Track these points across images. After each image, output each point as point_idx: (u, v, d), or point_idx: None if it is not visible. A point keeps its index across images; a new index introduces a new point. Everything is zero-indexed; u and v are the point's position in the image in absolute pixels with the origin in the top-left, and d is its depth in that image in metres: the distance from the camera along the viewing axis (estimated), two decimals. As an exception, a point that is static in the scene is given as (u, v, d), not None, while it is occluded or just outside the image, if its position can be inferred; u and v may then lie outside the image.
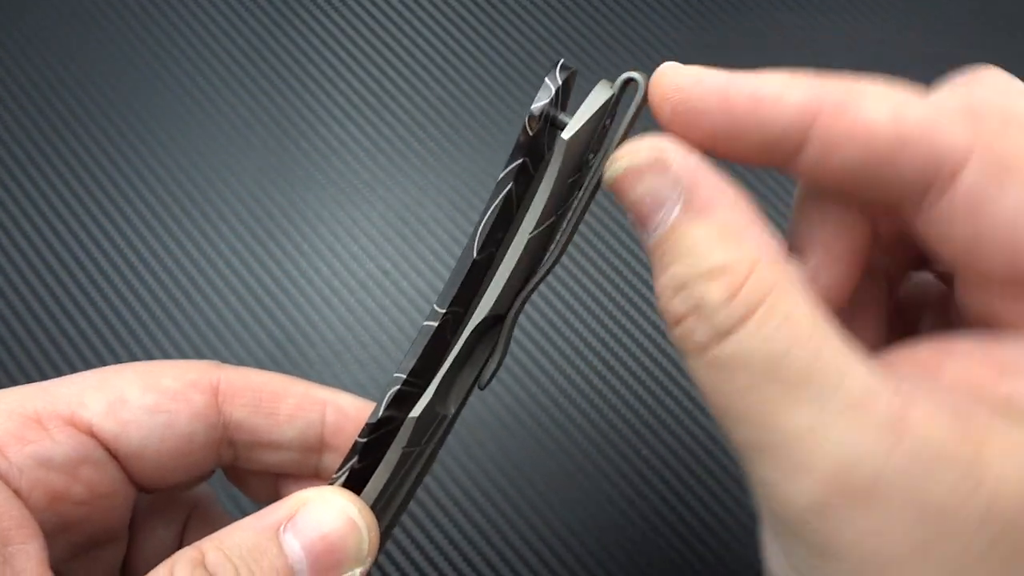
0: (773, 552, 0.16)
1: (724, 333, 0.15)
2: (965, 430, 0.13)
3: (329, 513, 0.18)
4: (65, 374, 0.35)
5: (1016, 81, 0.17)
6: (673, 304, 0.15)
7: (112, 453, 0.19)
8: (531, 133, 0.17)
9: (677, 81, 0.17)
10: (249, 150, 0.40)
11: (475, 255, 0.18)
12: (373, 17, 0.44)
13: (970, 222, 0.15)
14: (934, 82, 0.18)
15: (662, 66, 0.17)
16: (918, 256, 0.19)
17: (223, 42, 0.43)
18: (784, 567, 0.15)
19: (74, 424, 0.19)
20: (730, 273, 0.15)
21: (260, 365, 0.36)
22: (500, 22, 0.44)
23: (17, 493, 0.17)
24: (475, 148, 0.41)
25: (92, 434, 0.19)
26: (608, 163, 0.17)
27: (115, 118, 0.41)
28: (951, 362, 0.15)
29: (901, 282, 0.19)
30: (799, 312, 0.14)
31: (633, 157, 0.16)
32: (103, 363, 0.36)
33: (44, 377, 0.36)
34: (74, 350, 0.36)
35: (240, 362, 0.36)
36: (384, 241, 0.39)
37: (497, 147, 0.41)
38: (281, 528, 0.17)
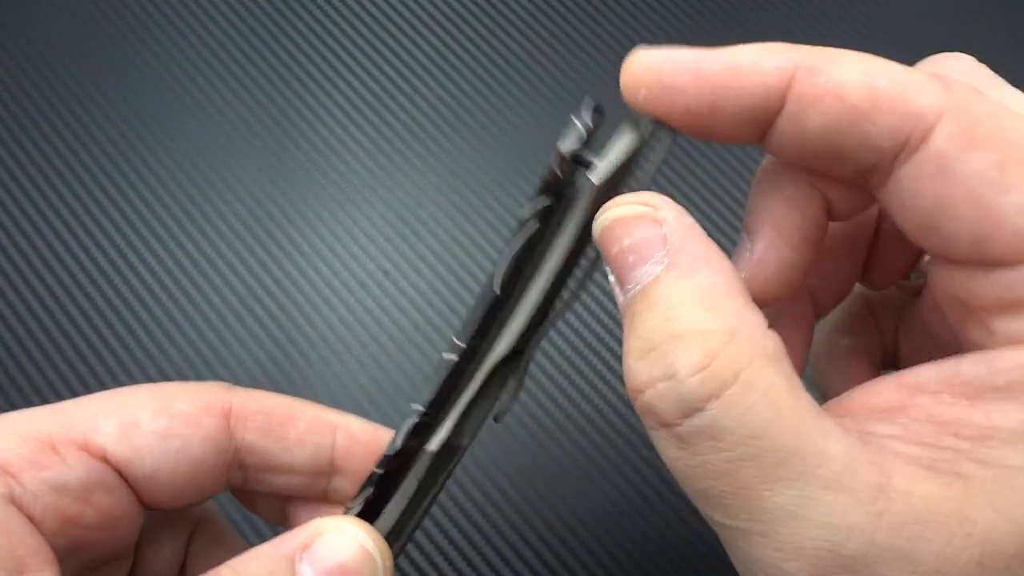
0: None
1: (693, 406, 0.14)
2: (946, 484, 0.13)
3: (344, 543, 0.18)
4: (65, 374, 0.36)
5: (982, 65, 0.17)
6: (639, 367, 0.14)
7: (124, 477, 0.19)
8: (560, 176, 0.17)
9: (648, 63, 0.16)
10: (249, 150, 0.40)
11: (497, 291, 0.18)
12: (373, 17, 0.44)
13: (937, 185, 0.14)
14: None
15: (633, 53, 0.16)
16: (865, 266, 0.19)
17: (223, 42, 0.43)
18: None
19: (87, 449, 0.19)
20: (706, 340, 0.13)
21: (260, 365, 0.36)
22: (500, 22, 0.44)
23: (31, 519, 0.17)
24: (475, 148, 0.41)
25: (105, 459, 0.19)
26: (600, 212, 0.16)
27: (115, 118, 0.41)
28: (919, 399, 0.15)
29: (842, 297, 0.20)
30: (777, 388, 0.13)
31: (626, 208, 0.16)
32: (102, 363, 0.36)
33: (44, 378, 0.36)
34: (74, 350, 0.36)
35: (239, 362, 0.36)
36: (384, 241, 0.39)
37: (497, 147, 0.41)
38: (297, 557, 0.17)
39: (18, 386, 0.35)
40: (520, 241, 0.18)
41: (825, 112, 0.15)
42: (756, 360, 0.13)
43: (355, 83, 0.42)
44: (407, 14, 0.44)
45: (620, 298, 0.15)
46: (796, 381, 0.14)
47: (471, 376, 0.19)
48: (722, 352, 0.13)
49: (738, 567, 0.14)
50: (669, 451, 0.14)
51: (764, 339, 0.14)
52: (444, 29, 0.44)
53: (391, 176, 0.40)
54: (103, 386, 0.35)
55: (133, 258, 0.38)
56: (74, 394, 0.35)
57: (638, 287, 0.15)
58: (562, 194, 0.18)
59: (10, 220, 0.38)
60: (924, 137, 0.14)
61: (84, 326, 0.37)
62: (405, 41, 0.43)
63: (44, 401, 0.35)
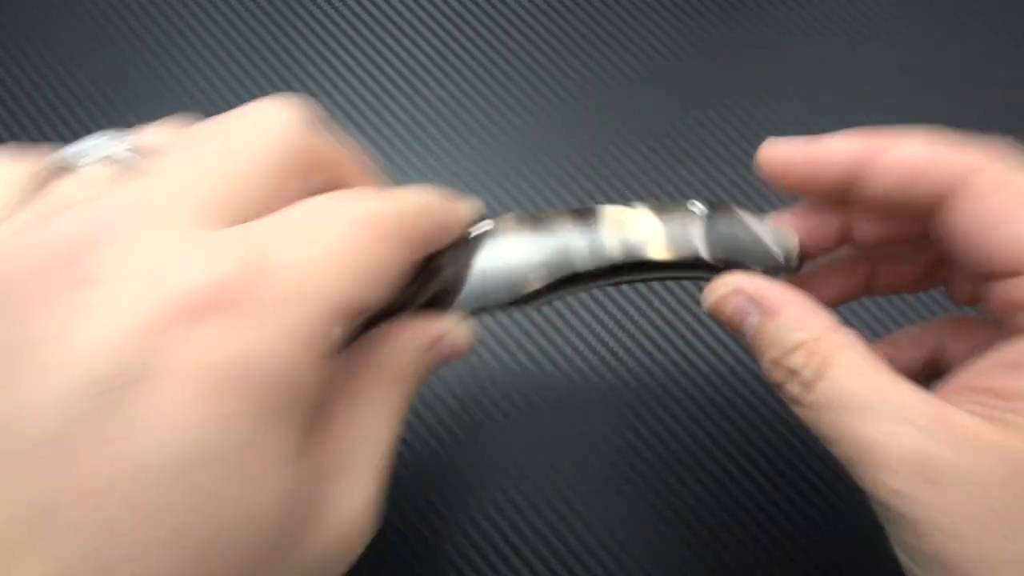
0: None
1: (809, 387, 0.21)
2: (991, 424, 0.19)
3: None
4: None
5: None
6: (774, 375, 0.23)
7: None
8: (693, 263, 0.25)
9: (775, 150, 0.24)
10: (249, 150, 0.40)
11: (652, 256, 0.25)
12: (373, 17, 0.44)
13: (973, 219, 0.21)
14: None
15: (765, 144, 0.24)
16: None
17: (223, 42, 0.43)
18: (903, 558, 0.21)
19: None
20: (804, 348, 0.22)
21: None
22: (500, 22, 0.44)
23: None
24: (475, 148, 0.41)
25: None
26: (705, 295, 0.25)
27: (115, 118, 0.41)
28: (979, 379, 0.21)
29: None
30: (855, 363, 0.21)
31: (721, 289, 0.24)
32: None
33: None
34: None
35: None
36: (384, 241, 0.39)
37: (497, 147, 0.41)
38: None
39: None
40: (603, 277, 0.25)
41: (888, 178, 0.22)
42: (838, 349, 0.21)
43: (355, 83, 0.42)
44: (407, 14, 0.44)
45: (744, 339, 0.24)
46: (871, 357, 0.21)
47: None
48: (816, 352, 0.21)
49: (858, 481, 0.21)
50: (804, 417, 0.22)
51: (840, 335, 0.22)
52: (444, 29, 0.44)
53: (391, 176, 0.40)
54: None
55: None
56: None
57: (750, 331, 0.23)
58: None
59: (10, 220, 0.38)
60: (958, 188, 0.21)
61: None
62: (405, 41, 0.43)
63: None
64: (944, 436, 0.19)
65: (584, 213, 0.26)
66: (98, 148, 0.20)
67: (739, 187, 0.40)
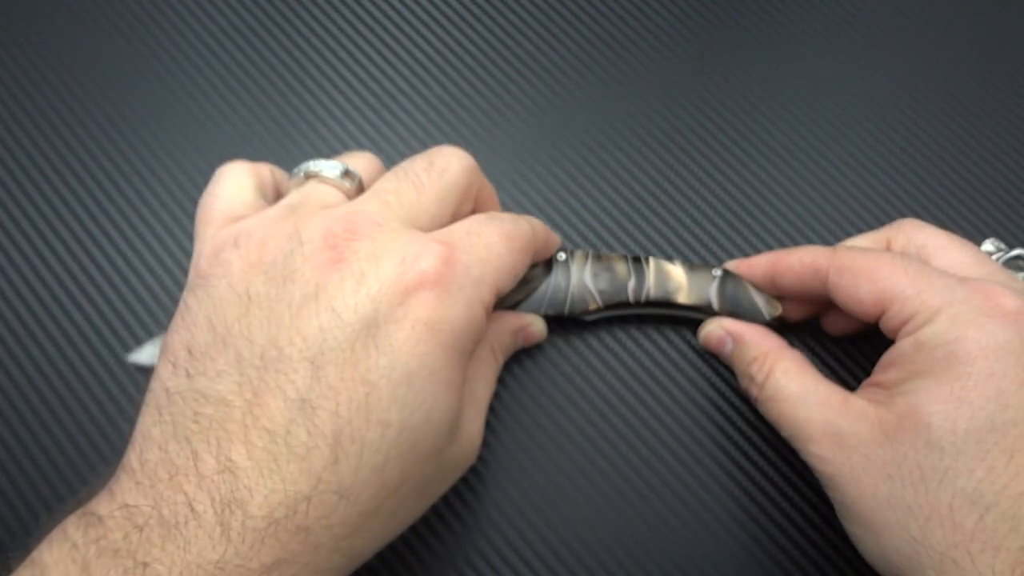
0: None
1: (760, 386, 0.31)
2: (875, 404, 0.28)
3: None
4: (64, 374, 0.36)
5: (927, 227, 0.32)
6: (741, 381, 0.33)
7: None
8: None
9: (748, 263, 0.35)
10: (249, 150, 0.40)
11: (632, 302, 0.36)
12: (373, 17, 0.44)
13: (841, 294, 0.31)
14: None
15: (729, 263, 0.36)
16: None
17: (223, 42, 0.43)
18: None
19: None
20: (757, 360, 0.32)
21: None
22: (500, 22, 0.44)
23: None
24: (475, 148, 0.41)
25: None
26: (699, 330, 0.36)
27: (115, 119, 0.41)
28: (873, 377, 0.31)
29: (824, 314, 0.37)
30: (790, 368, 0.31)
31: (710, 327, 0.35)
32: (102, 362, 0.36)
33: (45, 379, 0.36)
34: (74, 351, 0.36)
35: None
36: (384, 241, 0.39)
37: (497, 147, 0.41)
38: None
39: (14, 382, 0.36)
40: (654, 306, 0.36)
41: (789, 276, 0.34)
42: (781, 361, 0.31)
43: (355, 83, 0.42)
44: (407, 14, 0.44)
45: (724, 357, 0.35)
46: (802, 364, 0.31)
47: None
48: (766, 361, 0.32)
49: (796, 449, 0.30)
50: (762, 410, 0.32)
51: (782, 351, 0.32)
52: (444, 29, 0.44)
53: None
54: (101, 386, 0.36)
55: (133, 258, 0.38)
56: (76, 397, 0.35)
57: (727, 352, 0.34)
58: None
59: (10, 221, 0.39)
60: (827, 275, 0.32)
61: (84, 326, 0.37)
62: (405, 41, 0.43)
63: (41, 399, 0.35)
64: (845, 413, 0.28)
65: (637, 260, 0.36)
66: (332, 168, 0.30)
67: (733, 182, 0.40)
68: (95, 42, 0.42)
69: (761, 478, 0.35)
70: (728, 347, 0.34)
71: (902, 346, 0.29)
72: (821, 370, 0.31)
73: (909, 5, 0.45)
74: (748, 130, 0.42)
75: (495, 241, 0.28)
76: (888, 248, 0.32)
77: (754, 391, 0.32)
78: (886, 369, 0.29)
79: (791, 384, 0.30)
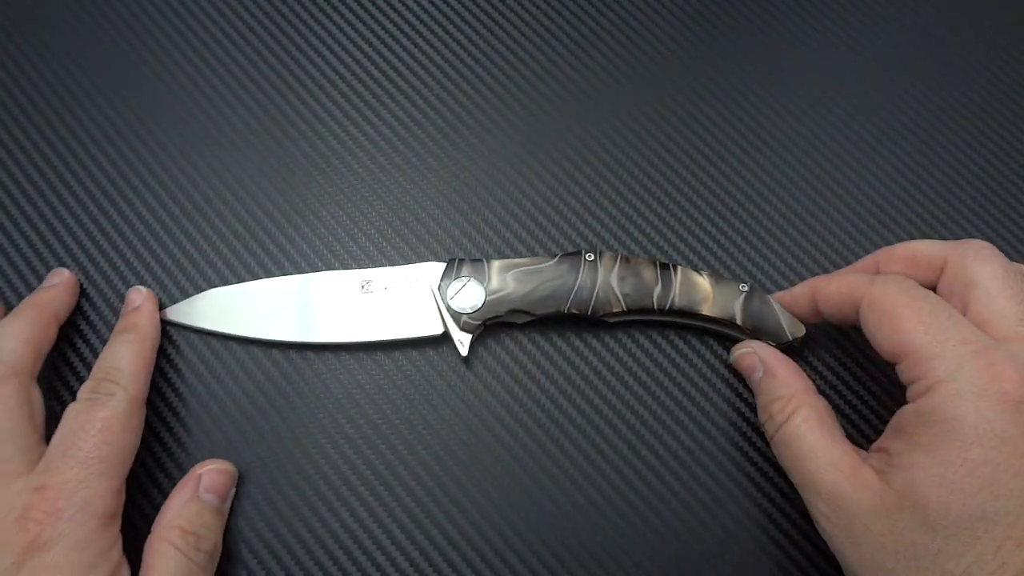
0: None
1: (777, 428, 0.32)
2: (879, 473, 0.29)
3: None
4: (60, 369, 0.35)
5: (997, 255, 0.30)
6: (760, 414, 0.33)
7: None
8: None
9: (791, 295, 0.35)
10: (249, 150, 0.40)
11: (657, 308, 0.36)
12: (373, 17, 0.44)
13: (867, 327, 0.31)
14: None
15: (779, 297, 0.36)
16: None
17: (223, 42, 0.43)
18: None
19: None
20: (782, 400, 0.32)
21: (259, 366, 0.36)
22: (500, 22, 0.44)
23: None
24: (475, 148, 0.41)
25: None
26: (733, 349, 0.36)
27: (116, 119, 0.41)
28: (881, 443, 0.31)
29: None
30: (811, 418, 0.31)
31: (744, 349, 0.35)
32: (87, 367, 0.36)
33: (44, 379, 0.35)
34: (72, 349, 0.36)
35: (238, 361, 0.36)
36: (384, 241, 0.39)
37: (496, 146, 0.41)
38: None
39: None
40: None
41: (827, 303, 0.33)
42: (803, 407, 0.31)
43: (355, 83, 0.42)
44: (407, 14, 0.44)
45: (750, 381, 0.35)
46: (825, 417, 0.31)
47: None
48: (788, 404, 0.32)
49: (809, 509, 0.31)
50: (776, 451, 0.32)
51: (808, 397, 0.32)
52: (444, 29, 0.44)
53: (391, 176, 0.40)
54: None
55: (133, 259, 0.38)
56: (73, 391, 0.35)
57: (756, 378, 0.34)
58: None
59: (10, 221, 0.38)
60: (860, 306, 0.31)
61: (83, 325, 0.37)
62: (405, 41, 0.43)
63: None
64: (853, 480, 0.29)
65: (665, 267, 0.36)
66: None
67: (732, 183, 0.40)
68: (93, 41, 0.42)
69: (775, 492, 0.35)
70: (758, 375, 0.34)
71: (906, 414, 0.29)
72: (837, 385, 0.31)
73: (910, 5, 0.45)
74: (749, 130, 0.42)
75: None
76: (943, 267, 0.31)
77: (770, 429, 0.32)
78: (893, 437, 0.29)
79: (807, 435, 0.30)
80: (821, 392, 0.33)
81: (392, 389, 0.36)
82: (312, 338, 0.36)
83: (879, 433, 0.30)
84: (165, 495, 0.32)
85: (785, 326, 0.35)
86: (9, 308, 0.36)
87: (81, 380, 0.35)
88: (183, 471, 0.34)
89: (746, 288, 0.35)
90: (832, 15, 0.44)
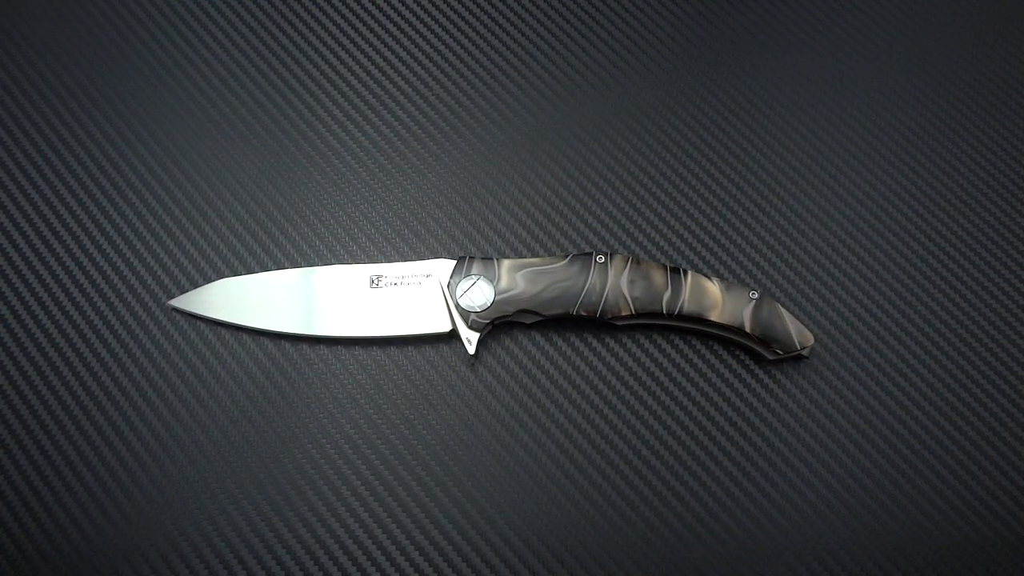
0: None
1: None
2: None
3: None
4: (61, 370, 0.35)
5: None
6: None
7: None
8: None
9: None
10: (249, 150, 0.40)
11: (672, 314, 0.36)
12: (373, 17, 0.44)
13: None
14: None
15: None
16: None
17: (223, 43, 0.43)
18: None
19: None
20: None
21: (259, 364, 0.36)
22: (500, 22, 0.44)
23: None
24: (475, 148, 0.41)
25: None
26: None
27: (116, 120, 0.41)
28: None
29: None
30: None
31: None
32: (98, 360, 0.36)
33: (34, 365, 0.35)
34: (69, 346, 0.36)
35: (238, 361, 0.36)
36: (384, 241, 0.39)
37: (496, 146, 0.41)
38: None
39: (10, 378, 0.36)
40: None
41: None
42: None
43: (355, 83, 0.42)
44: (407, 14, 0.44)
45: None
46: None
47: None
48: None
49: None
50: None
51: None
52: (444, 29, 0.44)
53: (391, 176, 0.40)
54: (98, 382, 0.35)
55: (133, 259, 0.38)
56: (70, 392, 0.35)
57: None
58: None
59: (9, 221, 0.38)
60: None
61: (81, 324, 0.37)
62: (405, 41, 0.43)
63: (42, 399, 0.35)
64: None
65: (676, 271, 0.35)
66: None
67: (733, 182, 0.40)
68: (93, 41, 0.42)
69: (777, 495, 0.35)
70: None
71: None
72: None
73: (910, 5, 0.45)
74: (749, 131, 0.42)
75: None
76: None
77: None
78: None
79: None
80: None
81: (392, 389, 0.36)
82: (319, 331, 0.36)
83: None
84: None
85: (794, 335, 0.35)
86: (9, 306, 0.36)
87: (106, 368, 0.35)
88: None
89: (756, 295, 0.35)
90: (847, 14, 0.45)
